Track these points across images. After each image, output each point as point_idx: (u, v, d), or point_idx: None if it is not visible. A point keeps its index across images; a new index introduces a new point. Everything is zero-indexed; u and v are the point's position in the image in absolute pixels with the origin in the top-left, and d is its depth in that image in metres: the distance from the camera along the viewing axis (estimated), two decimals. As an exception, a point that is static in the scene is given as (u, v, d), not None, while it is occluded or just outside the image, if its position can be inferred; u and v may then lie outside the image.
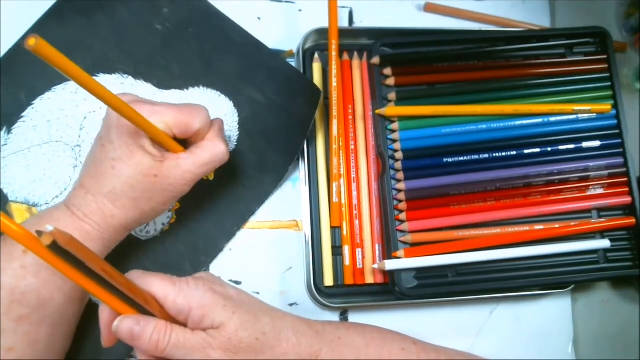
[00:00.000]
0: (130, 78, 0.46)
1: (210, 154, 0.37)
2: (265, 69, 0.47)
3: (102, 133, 0.36)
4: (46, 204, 0.43)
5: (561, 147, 0.48)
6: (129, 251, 0.43)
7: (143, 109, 0.34)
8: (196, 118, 0.36)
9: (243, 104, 0.47)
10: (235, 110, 0.47)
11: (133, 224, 0.38)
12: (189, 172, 0.36)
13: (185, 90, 0.46)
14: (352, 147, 0.47)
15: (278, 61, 0.48)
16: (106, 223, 0.36)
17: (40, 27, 0.45)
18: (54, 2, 0.46)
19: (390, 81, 0.47)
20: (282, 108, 0.47)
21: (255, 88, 0.47)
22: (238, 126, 0.46)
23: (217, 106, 0.46)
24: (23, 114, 0.44)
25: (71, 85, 0.45)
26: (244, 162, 0.46)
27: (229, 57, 0.47)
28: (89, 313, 0.41)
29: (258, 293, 0.45)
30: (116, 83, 0.45)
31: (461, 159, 0.46)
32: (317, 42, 0.49)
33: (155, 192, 0.36)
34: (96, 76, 0.45)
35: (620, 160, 0.48)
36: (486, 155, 0.47)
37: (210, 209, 0.45)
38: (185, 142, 0.38)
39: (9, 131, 0.44)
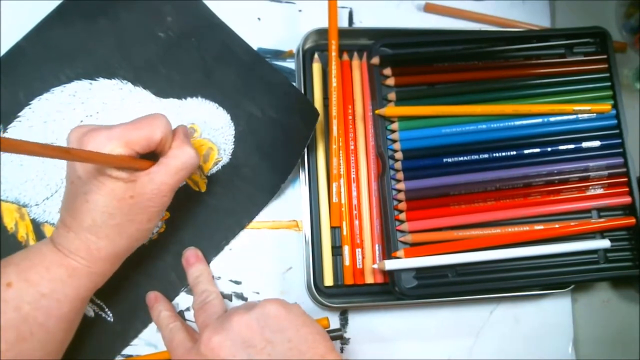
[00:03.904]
0: (129, 84, 0.46)
1: (180, 161, 0.36)
2: (265, 85, 0.47)
3: (68, 171, 0.36)
4: (36, 204, 0.43)
5: (561, 147, 0.48)
6: None
7: (98, 138, 0.33)
8: (156, 128, 0.35)
9: (240, 117, 0.47)
10: (232, 124, 0.46)
11: (123, 252, 0.37)
12: (163, 183, 0.36)
13: (184, 99, 0.46)
14: (352, 147, 0.47)
15: (279, 77, 0.47)
16: (93, 257, 0.36)
17: (43, 28, 0.45)
18: (53, 2, 0.46)
19: (390, 81, 0.47)
20: (279, 125, 0.46)
21: (253, 103, 0.47)
22: (234, 139, 0.46)
23: (214, 118, 0.46)
24: (20, 114, 0.44)
25: (69, 87, 0.45)
26: (237, 176, 0.46)
27: (229, 69, 0.47)
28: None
29: (258, 293, 0.45)
30: (115, 88, 0.45)
31: (461, 159, 0.46)
32: (317, 43, 0.49)
33: (136, 212, 0.36)
34: (96, 80, 0.45)
35: (620, 160, 0.48)
36: (486, 155, 0.47)
37: (200, 221, 0.45)
38: (153, 156, 0.37)
39: (4, 130, 0.44)
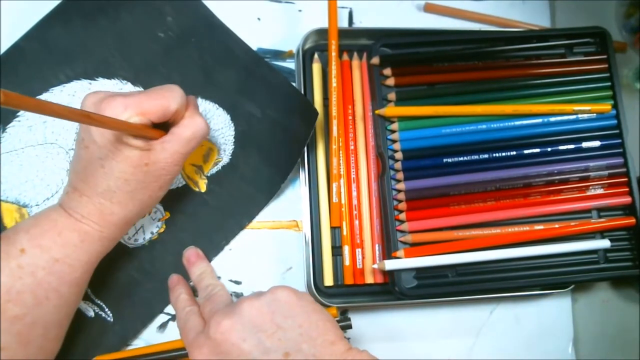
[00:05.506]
0: (129, 84, 0.46)
1: (191, 131, 0.37)
2: (265, 85, 0.47)
3: (83, 135, 0.36)
4: (37, 205, 0.43)
5: (561, 147, 0.48)
6: (115, 258, 0.42)
7: (115, 105, 0.34)
8: (171, 100, 0.36)
9: (240, 118, 0.46)
10: (232, 124, 0.46)
11: (134, 217, 0.38)
12: (176, 152, 0.36)
13: None
14: (352, 147, 0.47)
15: (278, 77, 0.47)
16: (106, 221, 0.36)
17: (43, 28, 0.45)
18: (53, 2, 0.46)
19: (390, 81, 0.47)
20: (279, 125, 0.46)
21: (253, 103, 0.47)
22: (234, 140, 0.46)
23: (214, 118, 0.46)
24: (19, 114, 0.44)
25: (69, 87, 0.45)
26: (237, 176, 0.46)
27: (229, 70, 0.47)
28: (77, 312, 0.41)
29: (258, 293, 0.45)
30: (114, 88, 0.45)
31: (461, 159, 0.46)
32: (317, 43, 0.49)
33: (150, 180, 0.36)
34: (95, 80, 0.45)
35: (620, 160, 0.48)
36: (486, 156, 0.47)
37: (200, 221, 0.45)
38: (165, 124, 0.37)
39: (3, 130, 0.44)
